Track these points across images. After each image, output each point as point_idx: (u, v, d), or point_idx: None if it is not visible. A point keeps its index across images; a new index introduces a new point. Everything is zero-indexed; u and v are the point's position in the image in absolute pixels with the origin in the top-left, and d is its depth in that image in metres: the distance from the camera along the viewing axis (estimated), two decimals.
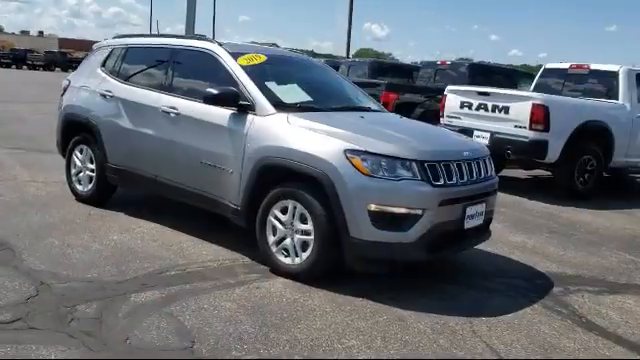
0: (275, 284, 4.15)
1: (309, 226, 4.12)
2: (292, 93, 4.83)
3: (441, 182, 4.04)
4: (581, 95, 9.45)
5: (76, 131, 5.98)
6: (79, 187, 5.96)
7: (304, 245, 4.19)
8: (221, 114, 4.65)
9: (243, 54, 4.99)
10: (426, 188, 3.95)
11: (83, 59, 6.51)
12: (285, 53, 5.74)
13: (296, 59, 5.73)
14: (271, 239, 4.36)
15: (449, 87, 9.53)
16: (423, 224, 3.95)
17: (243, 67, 4.80)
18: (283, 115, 4.41)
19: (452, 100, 9.31)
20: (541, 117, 8.02)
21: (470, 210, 4.25)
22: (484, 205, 4.43)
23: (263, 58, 5.03)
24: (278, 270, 4.31)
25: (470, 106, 8.97)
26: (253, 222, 4.48)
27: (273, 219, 4.33)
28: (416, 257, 4.09)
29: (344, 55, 29.38)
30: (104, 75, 5.80)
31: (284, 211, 4.28)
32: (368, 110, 5.22)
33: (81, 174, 5.95)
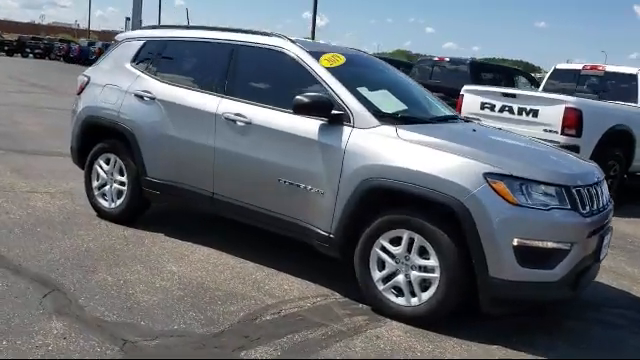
0: (393, 330, 3.53)
1: (432, 262, 3.51)
2: (387, 101, 4.18)
3: (587, 210, 3.52)
4: (596, 98, 9.22)
5: (100, 137, 5.10)
6: (104, 202, 5.10)
7: (423, 283, 3.57)
8: (307, 125, 3.95)
9: (323, 53, 4.30)
10: (576, 218, 3.43)
11: (105, 51, 5.56)
12: (354, 52, 5.04)
13: (368, 59, 5.06)
14: (377, 275, 3.72)
15: (466, 87, 9.08)
16: (571, 259, 3.43)
17: (329, 70, 4.11)
18: (390, 128, 3.77)
19: (470, 100, 8.85)
20: (574, 121, 7.68)
21: (605, 239, 3.77)
22: (611, 232, 3.96)
23: (343, 59, 4.34)
24: (386, 311, 3.68)
25: (492, 107, 8.53)
26: (350, 253, 3.83)
27: (380, 251, 3.70)
28: (560, 296, 3.57)
29: None
30: (138, 73, 4.94)
31: (395, 242, 3.65)
32: (456, 119, 4.63)
33: (106, 187, 5.08)
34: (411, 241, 3.58)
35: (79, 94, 5.30)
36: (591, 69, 9.58)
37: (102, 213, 5.10)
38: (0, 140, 8.43)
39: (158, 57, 4.93)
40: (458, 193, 3.38)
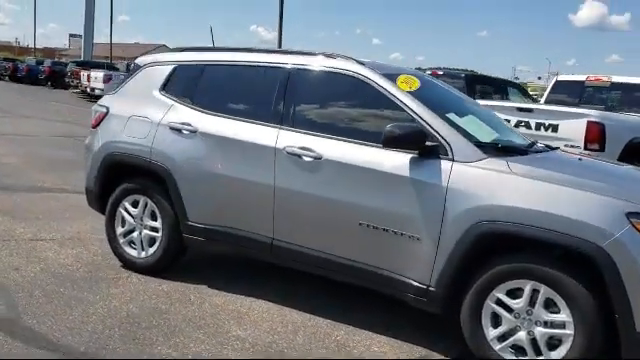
0: None
1: (562, 316, 3.03)
2: (479, 128, 3.70)
3: None
4: (603, 110, 9.03)
5: (125, 176, 4.42)
6: (132, 252, 4.41)
7: (552, 341, 3.08)
8: (394, 159, 3.43)
9: (397, 75, 3.79)
10: None
11: (124, 79, 4.85)
12: (417, 71, 4.53)
13: (435, 80, 4.54)
14: (491, 332, 3.21)
15: (478, 102, 8.72)
16: None
17: (412, 94, 3.60)
18: (499, 161, 3.28)
19: None
20: (597, 135, 7.42)
21: None
22: None
23: (418, 81, 3.83)
24: None
25: (507, 123, 8.19)
26: (456, 308, 3.31)
27: (495, 305, 3.19)
28: None
29: None
30: (171, 102, 4.29)
31: (513, 294, 3.15)
32: (537, 145, 4.17)
33: (134, 234, 4.40)
34: (534, 293, 3.09)
35: (95, 127, 4.60)
36: (596, 80, 9.39)
37: (129, 264, 4.42)
38: None
39: (194, 84, 4.29)
40: (596, 237, 2.91)
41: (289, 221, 3.78)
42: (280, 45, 24.70)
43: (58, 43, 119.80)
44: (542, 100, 10.13)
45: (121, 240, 4.45)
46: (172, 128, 4.17)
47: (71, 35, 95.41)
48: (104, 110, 4.57)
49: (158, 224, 4.28)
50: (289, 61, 4.00)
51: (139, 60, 4.75)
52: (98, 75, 21.95)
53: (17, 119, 15.43)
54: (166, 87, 4.38)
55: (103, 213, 4.58)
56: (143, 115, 4.32)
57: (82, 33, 44.52)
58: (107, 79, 21.30)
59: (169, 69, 4.43)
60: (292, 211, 3.76)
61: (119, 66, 30.50)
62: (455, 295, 3.30)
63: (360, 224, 3.50)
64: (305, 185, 3.68)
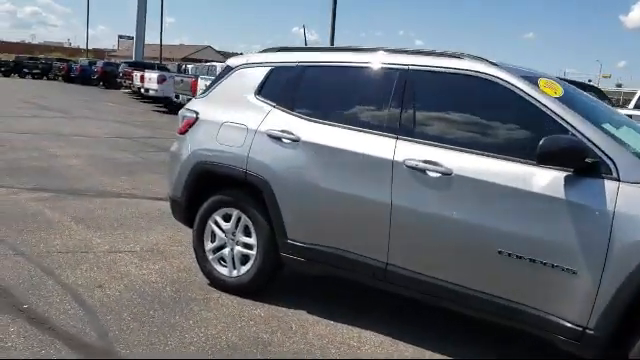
0: None
1: None
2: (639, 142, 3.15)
3: None
4: None
5: (216, 187, 4.04)
6: (222, 270, 4.03)
7: None
8: (543, 177, 2.93)
9: (537, 78, 3.30)
10: None
11: (213, 81, 4.46)
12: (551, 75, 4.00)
13: (568, 84, 4.01)
14: None
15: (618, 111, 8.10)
16: None
17: (561, 101, 3.09)
18: None
19: None
20: None
21: None
22: None
23: (560, 85, 3.32)
24: None
25: None
26: (620, 355, 2.78)
27: None
28: None
29: None
30: (268, 107, 3.88)
31: None
32: None
33: (225, 250, 4.01)
34: None
35: (183, 133, 4.24)
36: None
37: (219, 283, 4.03)
38: (43, 178, 7.33)
39: (294, 87, 3.86)
40: None
41: (409, 245, 3.32)
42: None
43: (107, 44, 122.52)
44: (631, 104, 9.40)
45: (210, 257, 4.07)
46: (271, 136, 3.76)
47: (120, 36, 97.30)
48: (193, 115, 4.19)
49: (252, 241, 3.87)
50: (406, 61, 3.53)
51: (230, 62, 4.36)
52: (152, 76, 21.90)
53: (74, 119, 15.45)
54: (262, 91, 3.98)
55: (189, 226, 4.22)
56: (238, 121, 3.93)
57: (132, 34, 45.24)
58: (161, 80, 21.23)
59: (265, 71, 4.02)
60: (413, 234, 3.29)
61: (170, 67, 30.56)
62: (620, 341, 2.77)
63: (500, 252, 3.01)
64: (431, 204, 3.21)
